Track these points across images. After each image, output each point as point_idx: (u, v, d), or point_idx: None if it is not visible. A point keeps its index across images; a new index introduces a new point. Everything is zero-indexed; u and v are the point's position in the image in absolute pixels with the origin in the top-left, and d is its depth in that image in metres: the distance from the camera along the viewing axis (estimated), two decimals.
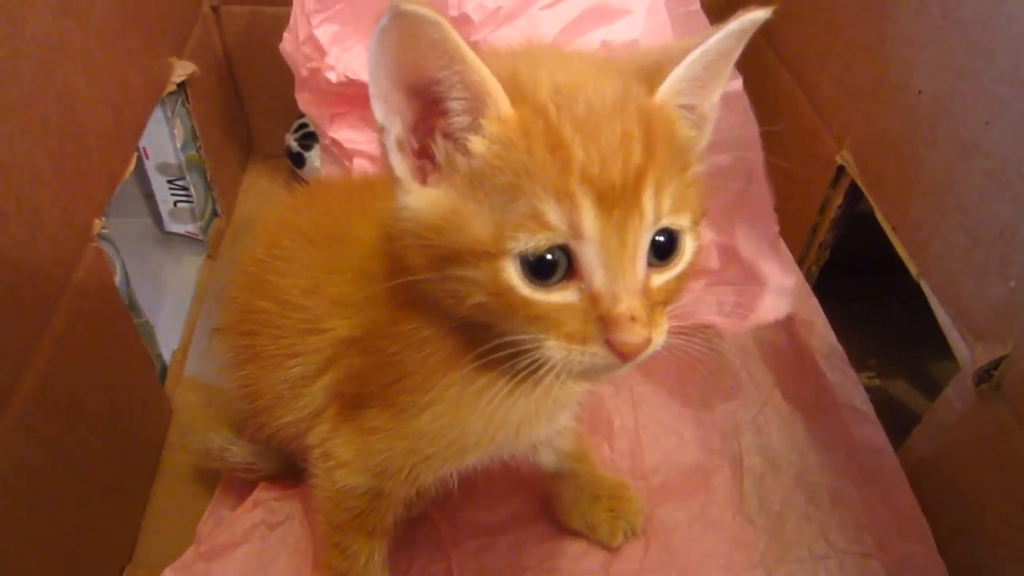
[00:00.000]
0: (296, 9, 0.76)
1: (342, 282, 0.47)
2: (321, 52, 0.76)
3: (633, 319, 0.35)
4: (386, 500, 0.51)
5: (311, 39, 0.76)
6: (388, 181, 0.40)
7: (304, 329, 0.49)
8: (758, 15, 0.38)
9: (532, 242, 0.34)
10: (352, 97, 0.81)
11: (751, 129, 0.74)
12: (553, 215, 0.34)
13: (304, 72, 0.78)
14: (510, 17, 0.70)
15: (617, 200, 0.34)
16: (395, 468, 0.48)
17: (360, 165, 0.84)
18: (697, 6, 0.77)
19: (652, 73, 0.38)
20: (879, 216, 0.67)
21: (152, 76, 0.72)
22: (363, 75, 0.76)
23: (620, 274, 0.35)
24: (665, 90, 0.38)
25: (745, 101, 0.75)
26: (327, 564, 0.54)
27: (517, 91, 0.36)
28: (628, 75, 0.38)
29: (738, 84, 0.75)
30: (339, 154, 0.83)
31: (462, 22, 0.70)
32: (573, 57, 0.43)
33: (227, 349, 0.57)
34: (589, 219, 0.34)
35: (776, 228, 0.76)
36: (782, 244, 0.77)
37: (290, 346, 0.50)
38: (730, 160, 0.76)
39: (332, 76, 0.76)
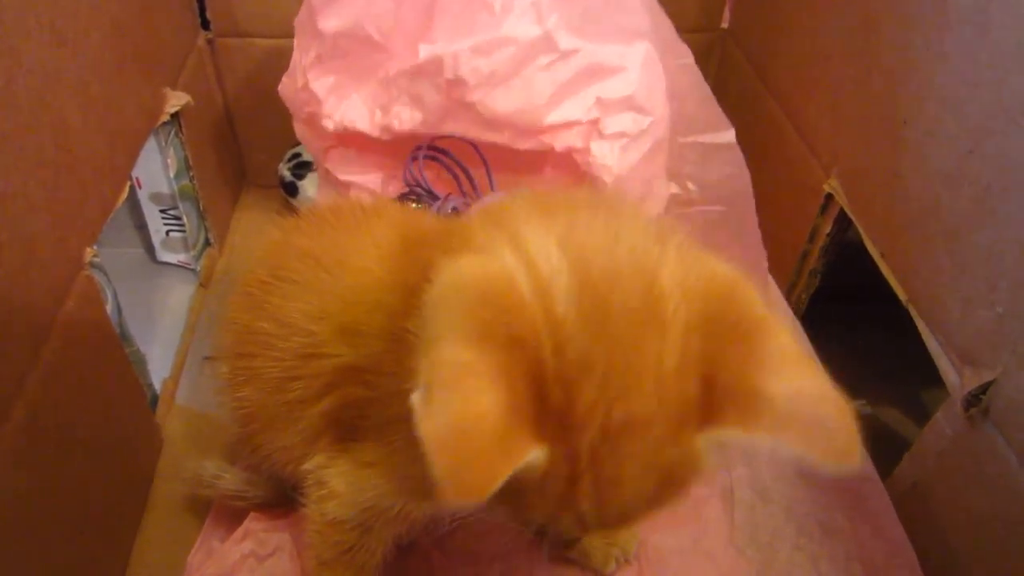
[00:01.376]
0: (296, 57, 0.77)
1: (354, 311, 0.47)
2: (318, 101, 0.77)
3: None
4: (375, 537, 0.50)
5: (308, 89, 0.77)
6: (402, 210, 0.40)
7: (307, 354, 0.49)
8: None
9: None
10: (348, 139, 0.82)
11: (744, 181, 0.76)
12: None
13: (303, 116, 0.79)
14: (505, 78, 0.71)
15: None
16: (385, 505, 0.48)
17: (356, 195, 0.84)
18: (691, 59, 0.79)
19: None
20: (867, 243, 0.68)
21: (146, 106, 0.73)
22: (359, 124, 0.77)
23: None
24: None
25: (738, 153, 0.77)
26: None
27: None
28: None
29: (731, 136, 0.77)
30: (335, 183, 0.84)
31: (457, 84, 0.71)
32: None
33: (224, 372, 0.57)
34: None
35: (765, 280, 0.78)
36: (770, 295, 0.78)
37: (291, 369, 0.49)
38: (721, 210, 0.78)
39: (329, 124, 0.77)
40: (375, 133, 0.77)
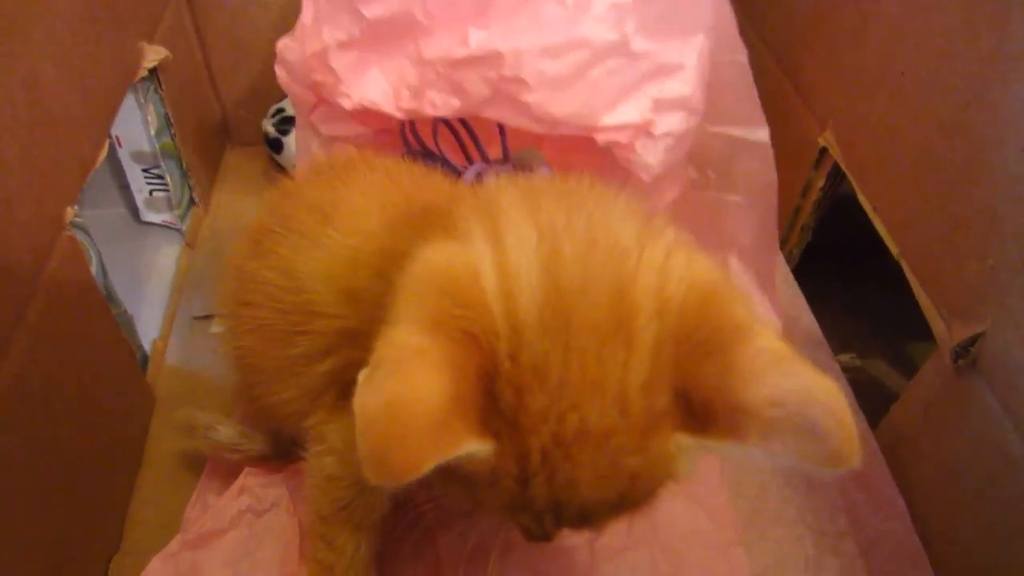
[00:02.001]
0: (305, 17, 0.71)
1: (358, 276, 0.46)
2: (335, 76, 0.71)
3: None
4: (373, 495, 0.51)
5: (322, 59, 0.71)
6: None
7: (312, 311, 0.48)
8: None
9: None
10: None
11: (771, 178, 0.73)
12: None
13: (306, 82, 0.73)
14: (570, 82, 0.66)
15: None
16: None
17: (343, 149, 0.82)
18: (744, 56, 0.72)
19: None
20: (860, 197, 0.67)
21: (122, 61, 0.71)
22: (383, 106, 0.70)
23: None
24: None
25: (769, 152, 0.72)
26: (313, 558, 0.54)
27: None
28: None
29: (765, 135, 0.73)
30: (317, 137, 0.81)
31: (514, 83, 0.66)
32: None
33: (226, 319, 0.56)
34: None
35: (773, 274, 0.76)
36: (773, 286, 0.76)
37: (296, 324, 0.49)
38: (744, 201, 0.75)
39: (347, 103, 0.71)
40: (398, 115, 0.71)
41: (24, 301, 0.51)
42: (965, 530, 0.56)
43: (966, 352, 0.54)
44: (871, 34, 0.66)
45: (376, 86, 0.71)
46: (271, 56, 0.80)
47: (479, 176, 0.72)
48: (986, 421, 0.53)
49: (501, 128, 0.74)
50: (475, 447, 0.32)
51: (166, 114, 0.82)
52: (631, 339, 0.33)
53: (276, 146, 0.95)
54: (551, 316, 0.33)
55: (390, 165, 0.56)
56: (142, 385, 0.71)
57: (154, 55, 0.75)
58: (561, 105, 0.67)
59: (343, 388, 0.48)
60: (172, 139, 0.84)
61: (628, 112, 0.68)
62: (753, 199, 0.75)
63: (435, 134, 0.73)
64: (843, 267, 0.83)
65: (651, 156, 0.69)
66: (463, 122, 0.74)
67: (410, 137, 0.74)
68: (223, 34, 0.93)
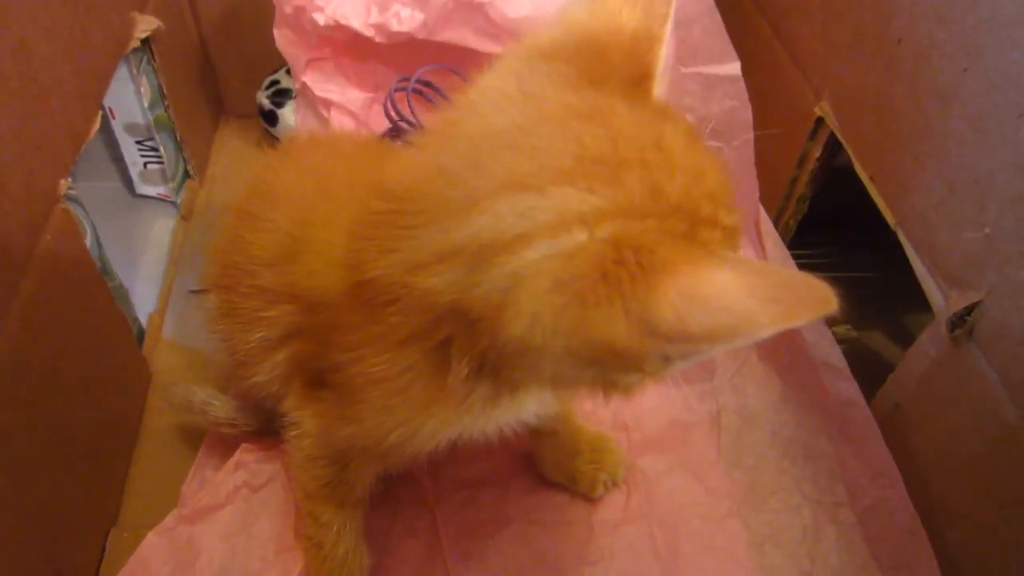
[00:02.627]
0: None
1: (313, 281, 0.45)
2: None
3: None
4: (354, 472, 0.51)
5: None
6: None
7: (268, 300, 0.48)
8: None
9: None
10: (336, 44, 0.78)
11: (745, 114, 0.73)
12: None
13: (288, 9, 0.75)
14: None
15: None
16: (358, 448, 0.48)
17: (337, 118, 0.81)
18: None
19: None
20: (856, 167, 0.67)
21: (114, 32, 0.70)
22: (352, 21, 0.72)
23: None
24: None
25: (742, 86, 0.72)
26: (305, 534, 0.55)
27: None
28: None
29: (736, 68, 0.72)
30: (312, 100, 0.81)
31: None
32: None
33: (210, 301, 0.57)
34: None
35: (757, 218, 0.76)
36: (759, 234, 0.76)
37: (256, 309, 0.49)
38: (724, 147, 0.75)
39: (320, 18, 0.73)
40: (368, 33, 0.72)
41: (18, 275, 0.51)
42: (962, 499, 0.57)
43: (962, 321, 0.54)
44: (866, 2, 0.65)
45: (348, 3, 0.72)
46: (265, 27, 0.80)
47: None
48: (983, 390, 0.53)
49: None
50: None
51: (159, 85, 0.81)
52: None
53: (271, 118, 0.94)
54: None
55: (366, 157, 0.54)
56: (138, 359, 0.71)
57: (146, 25, 0.74)
58: (516, 5, 0.68)
59: (309, 376, 0.48)
60: (166, 111, 0.83)
61: None
62: (733, 144, 0.74)
63: (409, 102, 0.73)
64: (839, 238, 0.83)
65: None
66: (441, 93, 0.74)
67: (391, 109, 0.74)
68: (216, 4, 0.91)
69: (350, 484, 0.52)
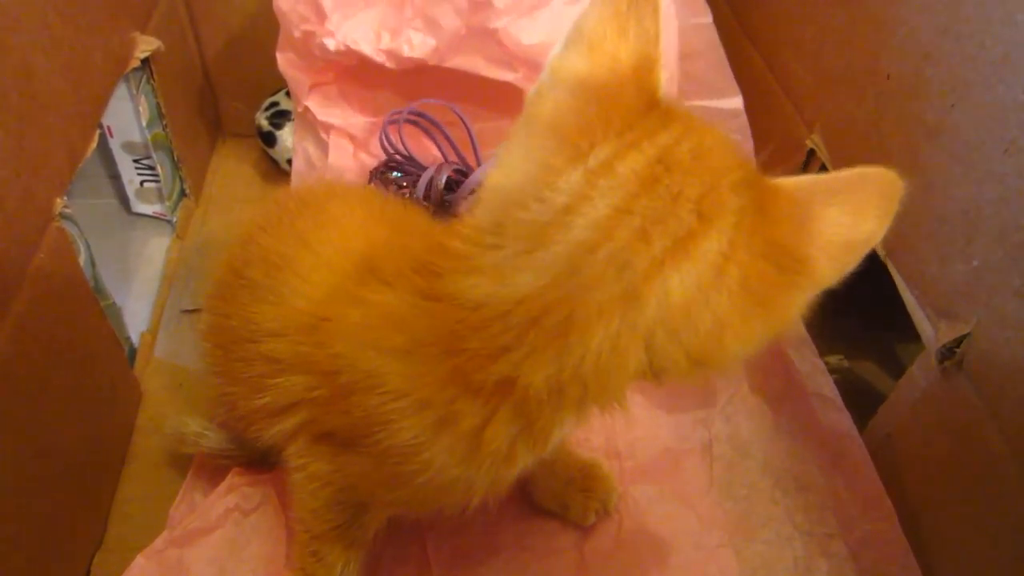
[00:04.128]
0: None
1: (305, 342, 0.45)
2: (321, 16, 0.72)
3: None
4: (369, 515, 0.50)
5: (313, 1, 0.73)
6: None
7: (274, 367, 0.48)
8: None
9: None
10: (339, 68, 0.78)
11: (747, 148, 0.73)
12: None
13: (297, 34, 0.75)
14: (532, 8, 0.67)
15: None
16: (370, 494, 0.47)
17: (338, 143, 0.82)
18: (709, 18, 0.73)
19: None
20: None
21: (114, 51, 0.70)
22: (363, 46, 0.72)
23: None
24: None
25: (744, 120, 0.73)
26: (302, 568, 0.53)
27: None
28: None
29: (738, 102, 0.73)
30: (313, 123, 0.81)
31: (482, 8, 0.67)
32: None
33: (206, 354, 0.57)
34: None
35: None
36: None
37: (262, 376, 0.49)
38: None
39: (331, 43, 0.72)
40: (380, 59, 0.72)
41: (10, 292, 0.51)
42: (954, 530, 0.57)
43: (952, 353, 0.54)
44: (857, 37, 0.66)
45: (360, 28, 0.72)
46: (265, 48, 0.81)
47: (450, 181, 0.72)
48: (972, 422, 0.53)
49: (469, 131, 0.74)
50: None
51: (158, 105, 0.81)
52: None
53: (269, 140, 0.94)
54: None
55: (337, 210, 0.54)
56: (129, 378, 0.70)
57: (147, 45, 0.75)
58: (529, 32, 0.68)
59: (318, 432, 0.48)
60: (164, 130, 0.83)
61: None
62: None
63: (400, 134, 0.73)
64: None
65: None
66: (438, 125, 0.74)
67: (385, 142, 0.74)
68: (217, 25, 0.92)
69: (364, 527, 0.51)
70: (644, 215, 0.33)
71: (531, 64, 0.69)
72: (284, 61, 0.79)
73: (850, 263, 0.36)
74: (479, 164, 0.74)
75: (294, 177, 0.85)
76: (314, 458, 0.48)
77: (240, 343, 0.50)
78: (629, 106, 0.36)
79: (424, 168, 0.73)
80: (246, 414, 0.52)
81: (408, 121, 0.74)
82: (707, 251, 0.34)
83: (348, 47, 0.72)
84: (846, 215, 0.35)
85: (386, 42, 0.72)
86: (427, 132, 0.74)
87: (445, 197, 0.72)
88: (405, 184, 0.75)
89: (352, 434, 0.44)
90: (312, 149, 0.84)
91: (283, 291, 0.49)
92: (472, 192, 0.70)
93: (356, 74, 0.80)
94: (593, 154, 0.34)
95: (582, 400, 0.37)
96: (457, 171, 0.72)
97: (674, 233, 0.33)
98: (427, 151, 0.76)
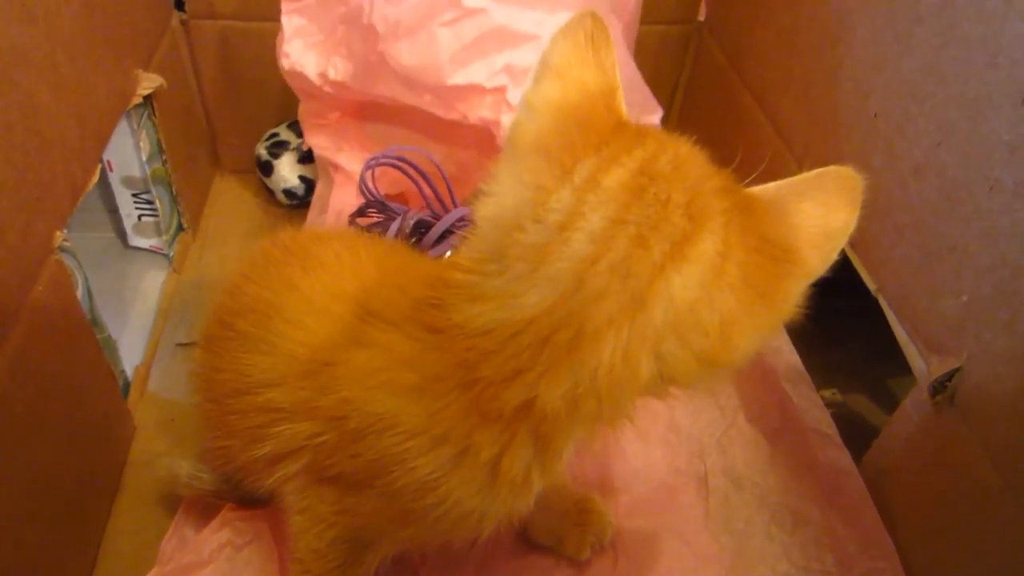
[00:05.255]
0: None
1: (306, 388, 0.45)
2: (284, 38, 0.76)
3: None
4: (373, 552, 0.50)
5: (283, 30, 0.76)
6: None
7: (273, 417, 0.47)
8: None
9: None
10: (347, 105, 0.79)
11: None
12: None
13: (286, 64, 0.78)
14: (410, 31, 0.69)
15: None
16: (379, 531, 0.47)
17: (343, 182, 0.83)
18: (618, 33, 0.74)
19: None
20: None
21: (118, 88, 0.72)
22: (308, 70, 0.75)
23: None
24: None
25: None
26: None
27: None
28: None
29: (658, 116, 0.76)
30: (323, 162, 0.82)
31: (370, 32, 0.70)
32: None
33: (200, 406, 0.57)
34: None
35: None
36: None
37: (260, 427, 0.48)
38: None
39: (285, 63, 0.76)
40: (318, 82, 0.75)
41: (8, 324, 0.51)
42: (950, 566, 0.56)
43: (943, 387, 0.55)
44: (844, 78, 0.68)
45: (308, 54, 0.76)
46: (264, 85, 0.82)
47: (419, 224, 0.72)
48: (966, 456, 0.53)
49: (442, 173, 0.75)
50: None
51: (158, 140, 0.82)
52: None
53: (266, 169, 0.96)
54: None
55: (330, 255, 0.54)
56: (122, 411, 0.70)
57: (149, 83, 0.76)
58: (408, 55, 0.69)
59: (319, 478, 0.47)
60: (163, 165, 0.84)
61: (476, 73, 0.69)
62: None
63: (373, 180, 0.74)
64: (822, 304, 0.84)
65: None
66: (418, 169, 0.75)
67: (362, 187, 0.74)
68: (218, 63, 0.94)
69: (368, 565, 0.50)
70: (638, 223, 0.34)
71: (420, 84, 0.70)
72: (303, 108, 0.81)
73: (832, 251, 0.38)
74: (455, 207, 0.74)
75: (309, 217, 0.86)
76: (318, 500, 0.47)
77: (234, 396, 0.50)
78: (603, 124, 0.38)
79: (397, 213, 0.73)
80: (244, 464, 0.52)
81: (390, 165, 0.74)
82: (704, 252, 0.35)
83: (293, 67, 0.76)
84: (818, 207, 0.38)
85: (320, 66, 0.75)
86: (408, 176, 0.75)
87: (412, 243, 0.71)
88: (378, 230, 0.75)
89: (362, 476, 0.43)
90: (323, 189, 0.86)
91: (275, 340, 0.48)
92: (442, 239, 0.70)
93: (358, 112, 0.81)
94: (577, 170, 0.36)
95: (596, 415, 0.37)
96: (434, 215, 0.73)
97: (670, 237, 0.34)
98: (411, 193, 0.77)
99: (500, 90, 0.70)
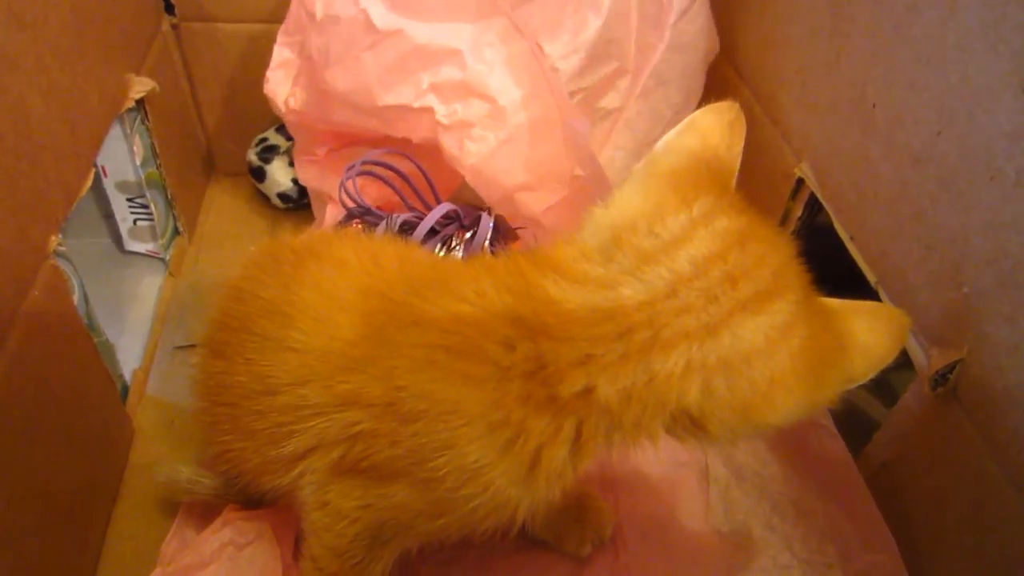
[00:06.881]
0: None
1: (339, 380, 0.46)
2: (266, 65, 0.78)
3: None
4: (390, 551, 0.50)
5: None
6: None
7: (301, 414, 0.47)
8: None
9: None
10: (335, 138, 0.81)
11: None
12: None
13: (273, 97, 0.80)
14: (340, 58, 0.70)
15: None
16: (405, 525, 0.47)
17: (333, 211, 0.82)
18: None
19: None
20: (837, 226, 0.69)
21: (109, 93, 0.71)
22: (277, 97, 0.77)
23: None
24: None
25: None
26: None
27: None
28: None
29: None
30: (318, 193, 0.84)
31: (309, 62, 0.72)
32: None
33: (202, 413, 0.56)
34: None
35: None
36: None
37: (285, 424, 0.48)
38: None
39: (266, 89, 0.78)
40: (283, 109, 0.78)
41: (4, 330, 0.51)
42: (951, 558, 0.56)
43: (944, 380, 0.55)
44: (843, 69, 0.68)
45: (282, 84, 0.78)
46: (257, 88, 0.82)
47: (406, 224, 0.71)
48: (966, 449, 0.53)
49: (422, 171, 0.75)
50: None
51: (152, 144, 0.82)
52: None
53: (259, 175, 0.95)
54: None
55: (343, 252, 0.54)
56: (121, 415, 0.70)
57: (141, 86, 0.76)
58: (343, 80, 0.71)
59: (343, 471, 0.47)
60: (157, 169, 0.84)
61: (402, 94, 0.70)
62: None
63: (354, 183, 0.73)
64: (823, 295, 0.84)
65: (454, 147, 0.69)
66: (397, 171, 0.74)
67: (342, 195, 0.73)
68: (210, 67, 0.94)
69: (385, 562, 0.50)
70: (734, 264, 0.40)
71: (356, 107, 0.71)
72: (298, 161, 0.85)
73: (873, 370, 0.43)
74: (438, 204, 0.73)
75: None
76: (340, 496, 0.47)
77: (252, 398, 0.50)
78: (723, 184, 0.45)
79: (382, 217, 0.72)
80: (258, 465, 0.52)
81: (366, 173, 0.74)
82: (780, 310, 0.40)
83: (269, 96, 0.78)
84: (870, 333, 0.43)
85: (285, 95, 0.77)
86: (387, 181, 0.74)
87: None
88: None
89: (400, 464, 0.44)
90: (318, 211, 0.87)
91: (303, 339, 0.48)
92: (430, 236, 0.69)
93: (342, 144, 0.82)
94: (697, 204, 0.42)
95: (635, 423, 0.41)
96: (417, 216, 0.72)
97: (757, 286, 0.40)
98: (391, 196, 0.77)
99: (428, 111, 0.70)
